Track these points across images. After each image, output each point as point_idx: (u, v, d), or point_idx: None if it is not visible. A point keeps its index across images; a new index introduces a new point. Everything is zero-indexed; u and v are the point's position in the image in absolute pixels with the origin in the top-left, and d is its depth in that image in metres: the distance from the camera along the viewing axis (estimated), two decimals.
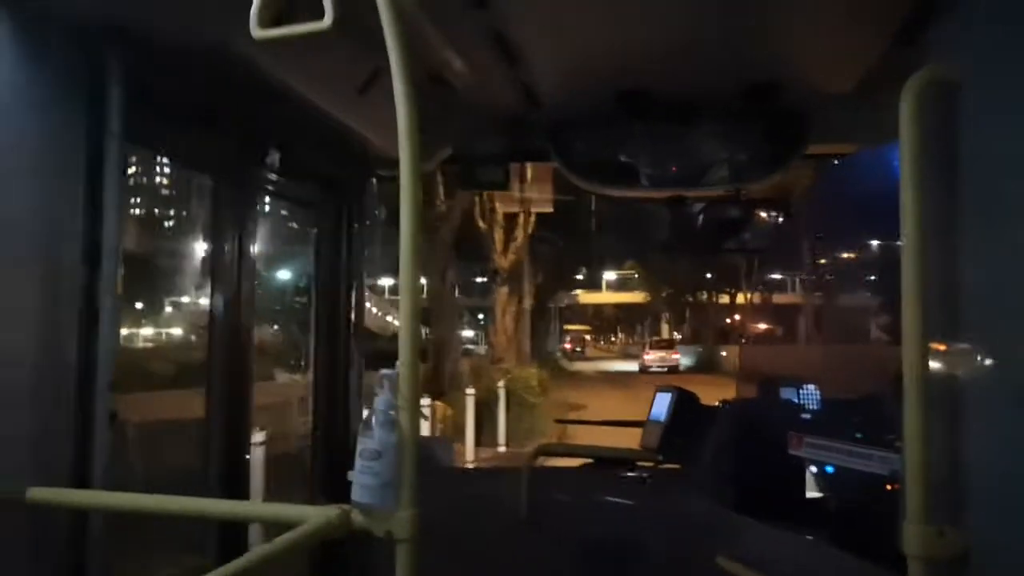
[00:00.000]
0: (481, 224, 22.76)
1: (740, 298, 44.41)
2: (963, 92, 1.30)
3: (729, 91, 2.22)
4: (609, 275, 66.74)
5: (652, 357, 42.27)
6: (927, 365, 1.27)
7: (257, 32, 1.33)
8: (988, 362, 1.26)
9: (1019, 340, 1.17)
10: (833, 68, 2.02)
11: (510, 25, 1.85)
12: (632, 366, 43.46)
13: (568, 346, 75.23)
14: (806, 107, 2.31)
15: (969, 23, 1.32)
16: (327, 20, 1.30)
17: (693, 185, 2.62)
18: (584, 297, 67.41)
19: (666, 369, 38.35)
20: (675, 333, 59.76)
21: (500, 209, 20.37)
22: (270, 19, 1.34)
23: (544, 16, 1.80)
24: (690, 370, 35.92)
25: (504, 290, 24.92)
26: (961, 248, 1.31)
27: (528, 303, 31.29)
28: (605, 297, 72.22)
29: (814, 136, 2.39)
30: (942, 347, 1.32)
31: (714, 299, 49.21)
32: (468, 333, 43.75)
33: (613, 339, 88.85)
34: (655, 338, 60.47)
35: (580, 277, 54.16)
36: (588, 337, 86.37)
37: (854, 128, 2.41)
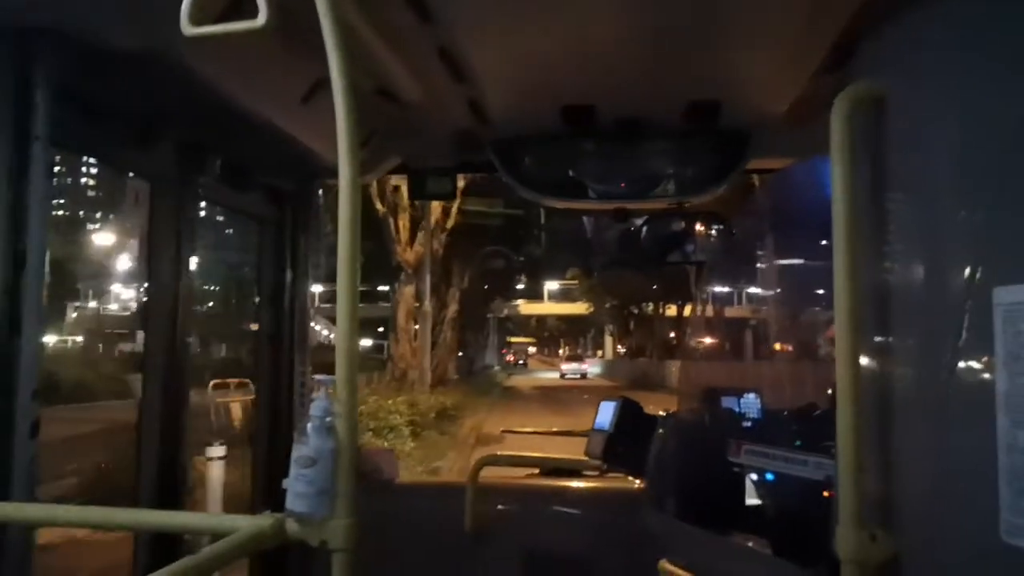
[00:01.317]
0: (379, 207, 19.43)
1: (687, 311, 44.10)
2: (890, 106, 1.35)
3: (672, 109, 2.27)
4: (551, 285, 64.81)
5: (567, 367, 60.66)
6: (859, 372, 1.31)
7: (188, 29, 1.31)
8: (914, 369, 1.30)
9: (941, 348, 1.21)
10: (768, 87, 2.09)
11: (455, 41, 1.86)
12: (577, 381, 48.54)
13: (511, 358, 75.21)
14: (745, 125, 2.37)
15: (894, 39, 1.37)
16: (261, 18, 1.28)
17: (639, 198, 2.67)
18: (525, 308, 65.76)
19: (579, 376, 56.26)
20: (619, 346, 59.76)
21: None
22: (205, 18, 1.32)
23: (489, 33, 1.81)
24: (635, 385, 35.74)
25: (409, 290, 21.86)
26: (888, 258, 1.35)
27: (452, 310, 29.38)
28: (547, 308, 70.60)
29: (753, 152, 2.46)
30: (873, 355, 1.36)
31: (660, 312, 48.15)
32: (367, 342, 42.64)
33: (559, 352, 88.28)
34: (568, 353, 74.80)
35: (521, 286, 53.37)
36: (532, 350, 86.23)
37: (791, 144, 2.49)
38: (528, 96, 2.20)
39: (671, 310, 46.72)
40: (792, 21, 1.66)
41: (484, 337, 58.25)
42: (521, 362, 78.24)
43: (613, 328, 59.27)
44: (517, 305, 62.32)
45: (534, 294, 65.07)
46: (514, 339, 79.89)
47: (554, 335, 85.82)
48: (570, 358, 67.00)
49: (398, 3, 1.65)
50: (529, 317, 74.50)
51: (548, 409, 24.14)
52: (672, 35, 1.80)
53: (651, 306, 48.04)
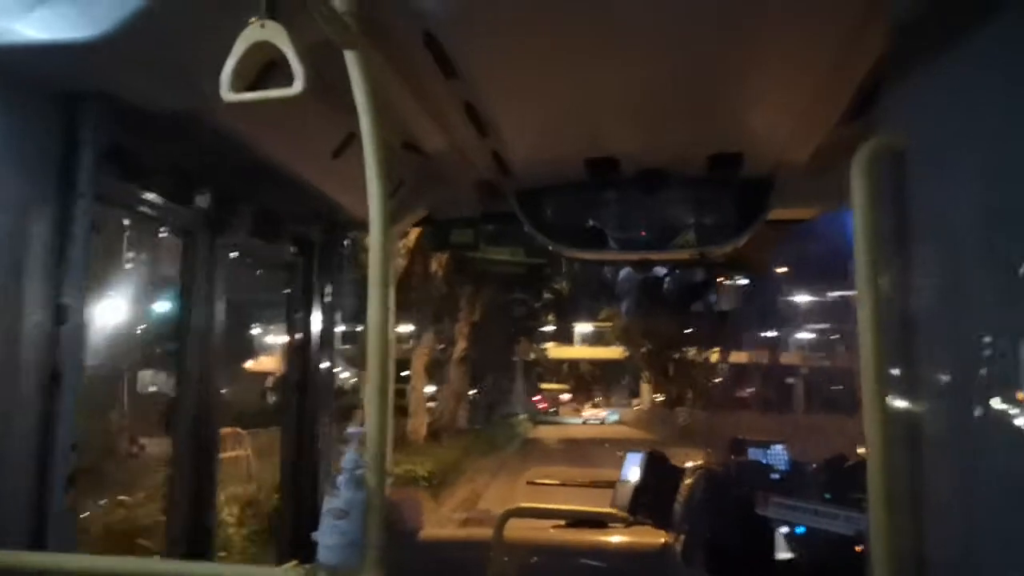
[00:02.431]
0: None
1: (729, 356, 40.60)
2: (911, 158, 1.36)
3: (695, 160, 2.30)
4: (583, 327, 61.30)
5: (587, 414, 66.43)
6: (888, 425, 1.30)
7: (229, 96, 1.36)
8: (945, 422, 1.29)
9: (971, 400, 1.21)
10: (791, 139, 2.10)
11: (480, 96, 1.90)
12: (607, 431, 44.35)
13: (543, 406, 73.95)
14: (767, 175, 2.39)
15: (916, 91, 1.39)
16: (297, 86, 1.34)
17: (660, 249, 2.69)
18: (554, 351, 61.10)
19: (599, 421, 60.43)
20: (656, 395, 55.50)
21: None
22: (242, 84, 1.38)
23: (513, 88, 1.86)
24: (679, 441, 29.39)
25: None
26: (919, 304, 1.35)
27: (460, 348, 25.42)
28: (578, 352, 67.09)
29: (775, 203, 2.47)
30: (902, 407, 1.35)
31: (701, 357, 43.57)
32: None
33: (591, 401, 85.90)
34: (590, 402, 74.84)
35: (548, 328, 48.88)
36: (566, 397, 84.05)
37: (813, 195, 2.50)
38: (551, 148, 2.24)
39: (714, 355, 42.70)
40: (814, 73, 1.69)
41: (509, 382, 53.95)
42: (552, 410, 77.07)
43: (650, 374, 52.06)
44: (545, 348, 57.29)
45: (564, 337, 60.92)
46: (547, 385, 78.07)
47: (586, 381, 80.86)
48: (592, 406, 72.46)
49: (425, 61, 1.70)
50: (560, 362, 70.43)
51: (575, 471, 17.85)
52: (695, 87, 1.83)
53: (692, 350, 43.43)
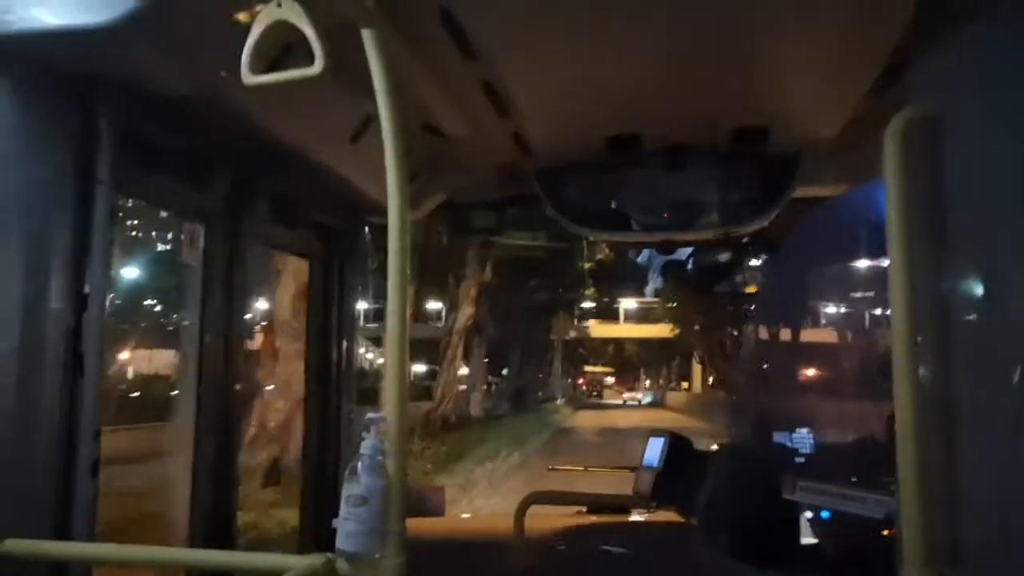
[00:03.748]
0: None
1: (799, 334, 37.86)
2: (945, 130, 1.32)
3: (719, 136, 2.25)
4: (628, 303, 54.98)
5: (627, 395, 70.90)
6: (919, 404, 1.27)
7: (249, 79, 1.35)
8: (978, 399, 1.26)
9: (1006, 375, 1.17)
10: (819, 112, 2.06)
11: (499, 76, 1.88)
12: (653, 417, 38.54)
13: (584, 388, 72.34)
14: (794, 150, 2.34)
15: (948, 62, 1.35)
16: (317, 66, 1.32)
17: (684, 229, 2.65)
18: (597, 329, 55.73)
19: (637, 402, 62.91)
20: (710, 378, 48.08)
21: None
22: (262, 66, 1.36)
23: (533, 68, 1.83)
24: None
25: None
26: (948, 283, 1.31)
27: (466, 315, 20.41)
28: (622, 330, 59.81)
29: (803, 178, 2.42)
30: (934, 384, 1.32)
31: (765, 334, 40.28)
32: (419, 368, 29.76)
33: (636, 383, 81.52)
34: (627, 386, 75.71)
35: (589, 304, 45.01)
36: (610, 380, 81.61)
37: (842, 170, 2.45)
38: (572, 127, 2.21)
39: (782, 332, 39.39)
40: (841, 43, 1.64)
41: (547, 364, 49.71)
42: (595, 393, 75.90)
43: (704, 354, 44.51)
44: (587, 326, 53.26)
45: (609, 314, 55.38)
46: (590, 368, 76.03)
47: (633, 363, 76.20)
48: (630, 389, 76.53)
49: (443, 42, 1.68)
50: (606, 342, 65.22)
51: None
52: (718, 61, 1.79)
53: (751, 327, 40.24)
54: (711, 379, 47.31)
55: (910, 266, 1.29)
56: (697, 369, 52.21)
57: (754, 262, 2.95)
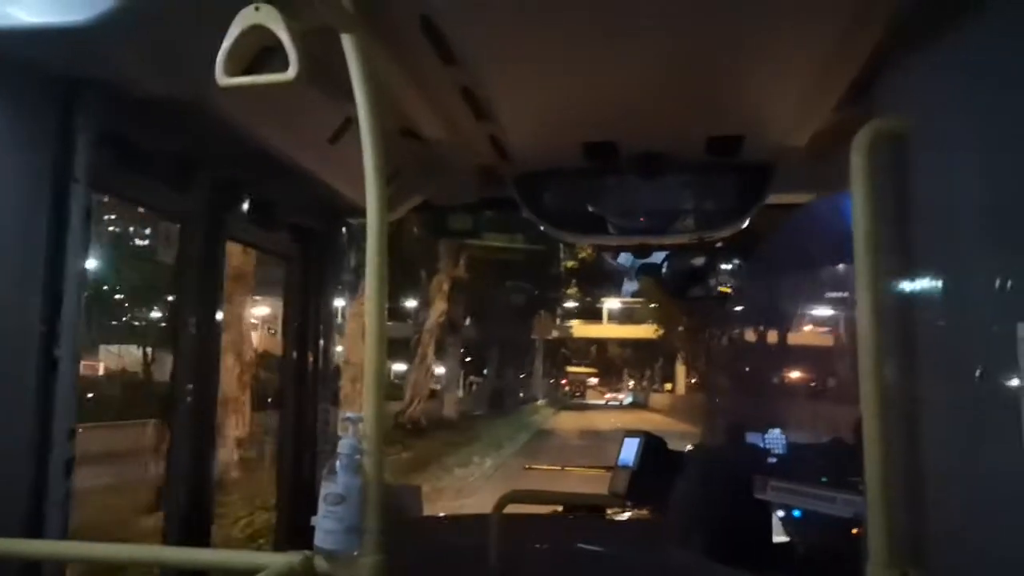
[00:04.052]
0: None
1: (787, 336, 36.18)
2: (910, 142, 1.36)
3: (694, 144, 2.29)
4: (612, 303, 53.40)
5: (608, 396, 73.07)
6: (885, 406, 1.30)
7: (223, 80, 1.36)
8: (942, 402, 1.30)
9: (969, 380, 1.21)
10: (790, 122, 2.10)
11: (478, 81, 1.89)
12: (636, 418, 36.80)
13: (566, 388, 71.43)
14: (766, 159, 2.38)
15: (913, 76, 1.39)
16: (291, 71, 1.33)
17: (659, 234, 2.68)
18: (580, 329, 54.96)
19: (618, 402, 65.07)
20: (692, 379, 47.41)
21: None
22: (237, 68, 1.37)
23: (512, 75, 1.85)
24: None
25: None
26: (917, 288, 1.35)
27: (438, 311, 19.45)
28: (606, 330, 58.78)
29: (775, 186, 2.47)
30: (899, 388, 1.36)
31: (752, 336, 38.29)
32: (400, 367, 26.70)
33: (620, 384, 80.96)
34: (609, 387, 76.43)
35: (571, 304, 43.75)
36: (594, 381, 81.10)
37: (813, 179, 2.50)
38: (549, 133, 2.23)
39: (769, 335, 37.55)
40: (814, 56, 1.68)
41: (528, 364, 48.73)
42: (578, 394, 75.74)
43: (688, 356, 43.94)
44: (570, 326, 52.20)
45: (591, 314, 54.47)
46: (572, 368, 75.30)
47: (616, 364, 74.85)
48: (612, 390, 77.66)
49: (422, 46, 1.69)
50: (589, 342, 63.63)
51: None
52: (694, 71, 1.82)
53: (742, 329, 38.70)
54: (694, 380, 46.05)
55: (876, 273, 1.32)
56: (681, 370, 50.85)
57: (726, 266, 3.00)
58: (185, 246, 2.22)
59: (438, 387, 25.39)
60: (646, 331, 47.98)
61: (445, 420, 23.49)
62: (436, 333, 20.92)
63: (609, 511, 3.12)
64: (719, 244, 2.88)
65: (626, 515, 3.09)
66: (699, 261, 2.96)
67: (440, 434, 20.35)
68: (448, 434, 20.77)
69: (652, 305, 39.02)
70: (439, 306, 20.10)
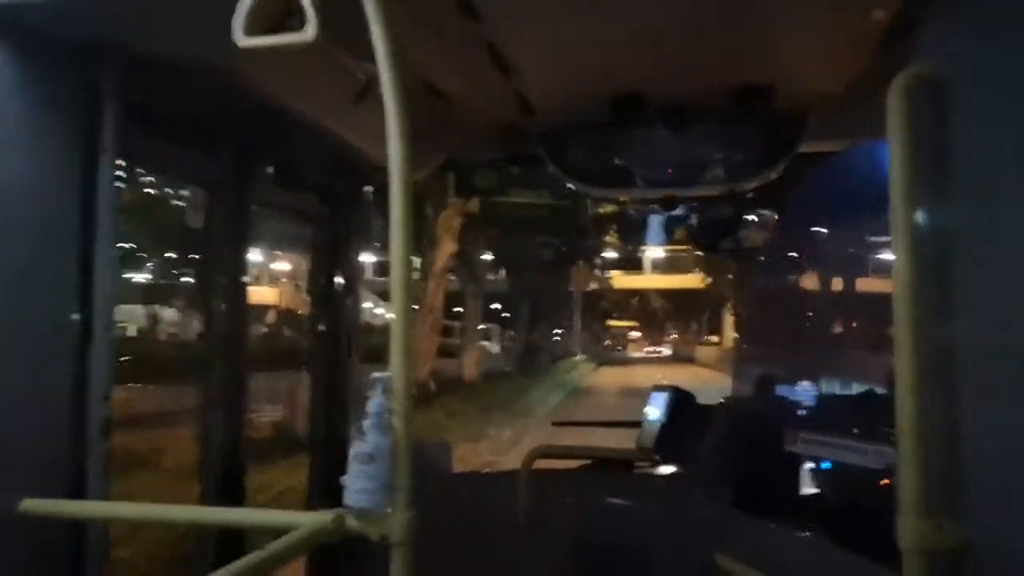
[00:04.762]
0: None
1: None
2: (949, 88, 1.31)
3: (723, 93, 2.23)
4: (655, 252, 48.59)
5: (649, 349, 71.97)
6: (919, 355, 1.28)
7: (242, 41, 1.34)
8: (978, 350, 1.27)
9: (1005, 326, 1.18)
10: (824, 69, 2.04)
11: (503, 36, 1.86)
12: (681, 374, 33.59)
13: (609, 343, 70.01)
14: (799, 107, 2.32)
15: (954, 20, 1.33)
16: (309, 31, 1.31)
17: (688, 186, 2.64)
18: (620, 280, 51.04)
19: (657, 354, 64.65)
20: (738, 331, 41.98)
21: None
22: (256, 29, 1.35)
23: (536, 27, 1.81)
24: None
25: None
26: (954, 237, 1.32)
27: (446, 252, 16.21)
28: (648, 281, 55.41)
29: (807, 135, 2.41)
30: (933, 335, 1.33)
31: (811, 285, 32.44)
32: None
33: (663, 337, 77.60)
34: (653, 341, 74.48)
35: (611, 255, 39.65)
36: (636, 335, 80.00)
37: (846, 127, 2.43)
38: (576, 86, 2.19)
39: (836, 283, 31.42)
40: (847, 1, 1.62)
41: (566, 319, 45.33)
42: (619, 348, 74.77)
43: (736, 305, 38.59)
44: (610, 277, 47.82)
45: (632, 264, 50.52)
46: (613, 322, 72.48)
47: (659, 317, 69.99)
48: (651, 344, 76.08)
49: (445, 3, 1.66)
50: (631, 294, 59.07)
51: None
52: (724, 17, 1.76)
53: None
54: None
55: (912, 221, 1.29)
56: (729, 322, 45.50)
57: (753, 218, 2.95)
58: (214, 212, 2.23)
59: (458, 342, 23.03)
60: (691, 280, 44.59)
61: (464, 383, 20.32)
62: (444, 280, 17.36)
63: (637, 465, 3.14)
64: (750, 195, 2.83)
65: (658, 469, 3.10)
66: (728, 212, 2.91)
67: (451, 400, 16.54)
68: (459, 401, 17.00)
69: (698, 252, 34.28)
70: (447, 247, 16.37)
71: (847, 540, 1.90)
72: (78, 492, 1.56)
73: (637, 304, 66.89)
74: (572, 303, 44.12)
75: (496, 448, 13.24)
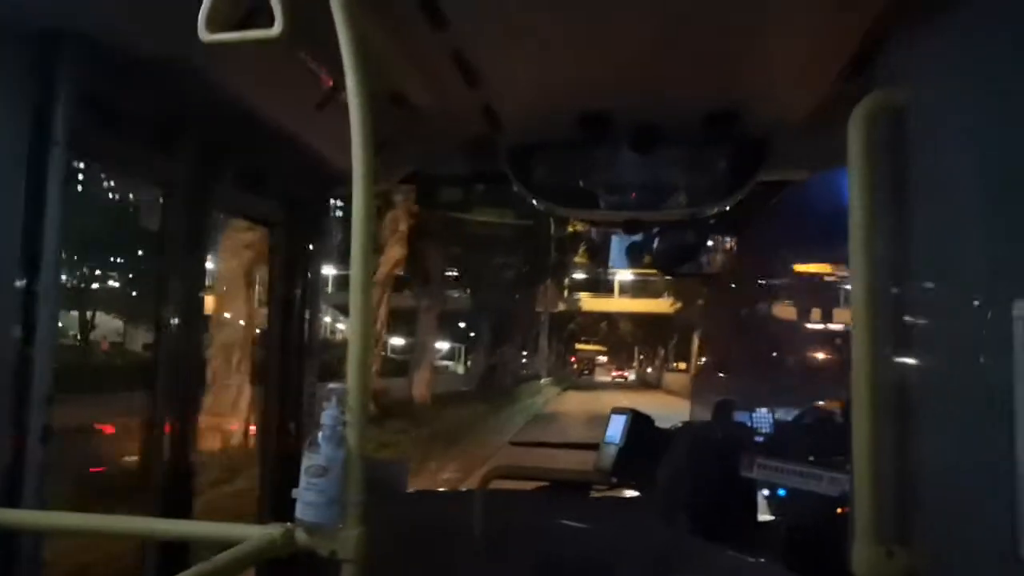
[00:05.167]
0: None
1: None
2: (910, 116, 1.33)
3: (688, 117, 2.26)
4: (624, 275, 48.18)
5: (616, 374, 72.61)
6: (876, 385, 1.29)
7: (205, 36, 1.31)
8: (932, 382, 1.29)
9: (960, 360, 1.19)
10: (788, 97, 2.07)
11: (471, 47, 1.85)
12: (649, 400, 32.08)
13: (575, 368, 70.33)
14: (763, 134, 2.35)
15: (916, 49, 1.36)
16: (277, 28, 1.29)
17: (651, 209, 2.65)
18: (589, 303, 51.36)
19: (623, 379, 66.08)
20: (704, 357, 41.93)
21: None
22: (222, 25, 1.33)
23: (505, 40, 1.81)
24: None
25: None
26: (909, 264, 1.34)
27: (393, 256, 14.66)
28: (617, 304, 54.53)
29: (770, 163, 2.44)
30: (889, 366, 1.34)
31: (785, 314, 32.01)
32: (398, 340, 27.50)
33: (629, 363, 78.09)
34: (617, 366, 75.49)
35: (580, 276, 39.93)
36: (603, 359, 79.83)
37: (808, 155, 2.47)
38: (544, 102, 2.19)
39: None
40: (811, 30, 1.65)
41: (532, 340, 44.68)
42: (586, 372, 75.36)
43: (707, 332, 38.46)
44: (578, 299, 48.58)
45: (601, 286, 50.72)
46: (581, 345, 72.85)
47: (627, 341, 69.46)
48: (616, 370, 77.16)
49: (413, 11, 1.65)
50: (599, 318, 59.12)
51: None
52: (692, 42, 1.79)
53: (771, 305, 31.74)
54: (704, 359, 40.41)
55: (871, 250, 1.31)
56: (696, 348, 44.50)
57: (714, 244, 2.97)
58: (168, 213, 2.17)
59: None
60: (660, 305, 44.02)
61: (411, 404, 18.88)
62: (388, 288, 15.80)
63: (595, 487, 3.13)
64: (711, 221, 2.85)
65: (613, 492, 3.09)
66: (690, 237, 2.94)
67: (390, 426, 15.03)
68: (398, 428, 15.25)
69: (667, 277, 35.93)
70: (393, 251, 14.90)
71: (801, 566, 1.90)
72: (13, 501, 1.49)
73: (606, 328, 66.57)
74: (539, 324, 43.68)
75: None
